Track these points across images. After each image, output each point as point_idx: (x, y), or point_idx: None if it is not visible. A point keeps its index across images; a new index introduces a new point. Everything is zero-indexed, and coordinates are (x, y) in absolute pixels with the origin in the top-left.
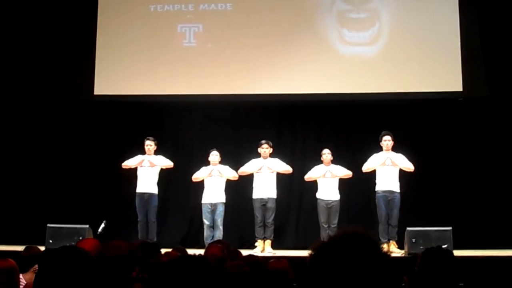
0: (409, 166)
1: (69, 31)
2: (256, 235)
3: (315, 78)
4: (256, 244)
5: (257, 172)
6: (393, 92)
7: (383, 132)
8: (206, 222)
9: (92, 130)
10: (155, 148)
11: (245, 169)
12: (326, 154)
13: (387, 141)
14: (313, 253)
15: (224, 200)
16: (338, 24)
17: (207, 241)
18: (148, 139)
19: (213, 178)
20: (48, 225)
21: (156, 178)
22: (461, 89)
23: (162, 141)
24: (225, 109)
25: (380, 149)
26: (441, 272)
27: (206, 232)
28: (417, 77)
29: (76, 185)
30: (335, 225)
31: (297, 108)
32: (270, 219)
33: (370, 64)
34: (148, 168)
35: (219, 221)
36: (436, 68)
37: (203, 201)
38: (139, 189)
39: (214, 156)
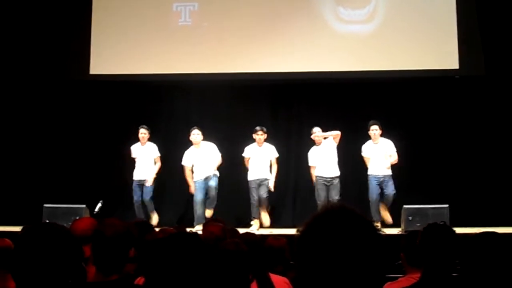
0: (392, 160)
1: (64, 10)
2: (252, 215)
3: (311, 56)
4: (252, 223)
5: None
6: (389, 70)
7: (371, 122)
8: (197, 197)
9: (88, 109)
10: (148, 136)
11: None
12: (317, 133)
13: (374, 130)
14: (300, 231)
15: (217, 173)
16: (333, 2)
17: (199, 220)
18: (142, 128)
19: (201, 157)
20: (45, 205)
21: (152, 166)
22: (457, 67)
23: (157, 120)
24: (221, 88)
25: (368, 137)
26: (442, 248)
27: (199, 210)
28: (414, 55)
29: (73, 165)
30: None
31: (293, 87)
32: (264, 194)
33: (366, 42)
34: (143, 158)
35: (214, 191)
36: (433, 46)
37: (195, 179)
38: (136, 177)
39: (196, 135)
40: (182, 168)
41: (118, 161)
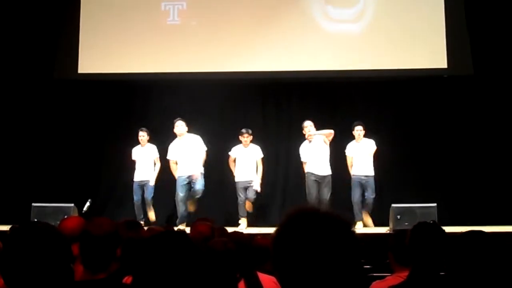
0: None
1: (52, 9)
2: (240, 214)
3: (300, 55)
4: (240, 222)
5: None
6: (378, 69)
7: (355, 123)
8: (180, 194)
9: (76, 108)
10: (148, 138)
11: (231, 164)
12: (309, 127)
13: (358, 131)
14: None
15: (202, 171)
16: (323, 1)
17: (182, 220)
18: (141, 130)
19: (185, 150)
20: (33, 204)
21: (152, 166)
22: (446, 66)
23: (146, 120)
24: (210, 87)
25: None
26: (432, 247)
27: (181, 208)
28: (402, 54)
29: (61, 164)
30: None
31: (282, 86)
32: (252, 197)
33: (355, 41)
34: (143, 160)
35: (199, 194)
36: (421, 45)
37: (178, 175)
38: (136, 178)
39: (180, 127)
40: (168, 166)
41: (107, 160)
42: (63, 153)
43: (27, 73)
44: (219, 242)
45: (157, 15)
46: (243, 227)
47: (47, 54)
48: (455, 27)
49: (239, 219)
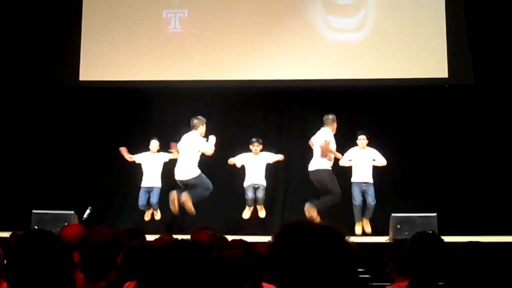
0: (382, 162)
1: (53, 15)
2: (246, 204)
3: (302, 64)
4: (244, 211)
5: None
6: (380, 79)
7: (359, 132)
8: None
9: (77, 116)
10: (158, 148)
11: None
12: (361, 140)
13: (361, 140)
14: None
15: (196, 174)
16: (324, 10)
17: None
18: (155, 139)
19: (185, 151)
20: (34, 211)
21: (160, 171)
22: (447, 76)
23: (148, 127)
24: (212, 95)
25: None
26: (430, 257)
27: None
28: (403, 63)
29: (62, 171)
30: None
31: (284, 94)
32: (261, 195)
33: (357, 51)
34: (152, 164)
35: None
36: (422, 55)
37: (176, 178)
38: (144, 184)
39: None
40: (169, 173)
41: (107, 168)
42: (64, 160)
43: (29, 80)
44: (231, 254)
45: (159, 23)
46: (247, 215)
47: (48, 61)
48: (456, 36)
49: (244, 208)
